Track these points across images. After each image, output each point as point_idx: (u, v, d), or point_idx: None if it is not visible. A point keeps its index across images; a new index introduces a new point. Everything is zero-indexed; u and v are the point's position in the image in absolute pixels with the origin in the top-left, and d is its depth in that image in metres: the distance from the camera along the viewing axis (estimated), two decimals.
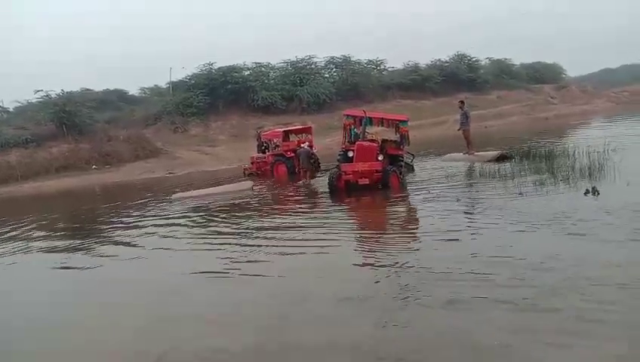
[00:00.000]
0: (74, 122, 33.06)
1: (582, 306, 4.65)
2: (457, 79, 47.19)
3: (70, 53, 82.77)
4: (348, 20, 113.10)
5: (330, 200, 12.26)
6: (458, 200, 10.40)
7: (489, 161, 14.84)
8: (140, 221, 12.55)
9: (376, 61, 48.09)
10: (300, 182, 16.50)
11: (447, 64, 49.21)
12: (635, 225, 6.85)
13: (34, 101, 36.90)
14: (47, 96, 34.95)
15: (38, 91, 35.10)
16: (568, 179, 10.76)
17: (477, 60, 51.10)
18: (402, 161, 13.84)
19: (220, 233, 10.08)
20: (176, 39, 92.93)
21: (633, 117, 30.54)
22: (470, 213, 9.29)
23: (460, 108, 17.21)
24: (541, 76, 56.05)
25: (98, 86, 48.73)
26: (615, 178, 10.28)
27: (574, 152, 13.06)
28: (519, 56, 62.08)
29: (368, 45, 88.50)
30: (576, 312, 4.55)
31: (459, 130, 17.14)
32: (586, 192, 9.25)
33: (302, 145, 18.01)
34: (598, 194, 9.07)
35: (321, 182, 14.79)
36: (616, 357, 3.86)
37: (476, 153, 16.28)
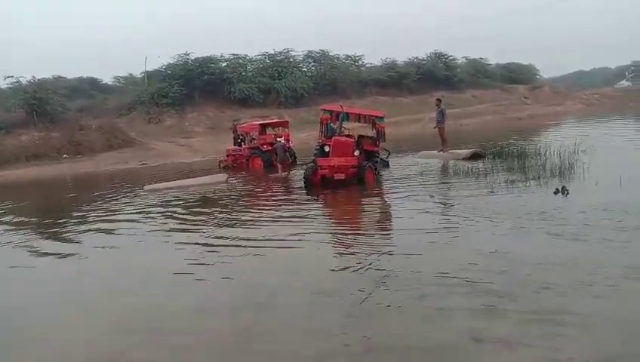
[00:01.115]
0: (45, 110, 32.26)
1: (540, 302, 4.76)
2: (434, 77, 47.61)
3: (43, 39, 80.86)
4: (326, 15, 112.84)
5: (305, 194, 12.26)
6: (431, 196, 10.52)
7: (463, 159, 15.04)
8: (108, 213, 12.35)
9: (355, 56, 48.22)
10: (277, 174, 16.46)
11: (424, 62, 49.59)
12: (596, 222, 7.04)
13: (3, 87, 36.02)
14: (17, 82, 34.13)
15: (9, 77, 34.29)
16: (539, 178, 10.97)
17: (453, 59, 51.66)
18: (378, 157, 13.93)
19: (187, 227, 9.98)
20: (152, 28, 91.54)
21: (603, 119, 31.31)
22: (442, 209, 9.41)
23: (437, 105, 17.36)
24: (516, 76, 56.96)
25: (71, 73, 47.78)
26: (584, 177, 10.52)
27: (545, 152, 13.33)
28: (495, 56, 62.92)
29: (347, 40, 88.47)
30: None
31: (435, 127, 17.30)
32: (556, 191, 9.45)
33: (279, 138, 17.99)
34: (568, 193, 9.27)
35: (297, 176, 14.79)
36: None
37: (450, 151, 16.47)
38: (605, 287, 5.01)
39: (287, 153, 17.16)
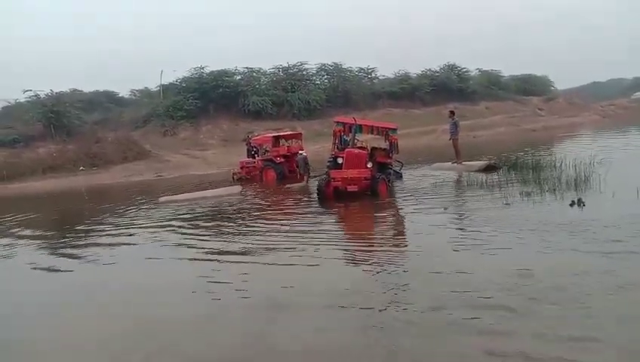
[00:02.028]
0: (62, 123, 32.87)
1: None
2: (447, 89, 47.56)
3: (60, 53, 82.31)
4: (339, 28, 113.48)
5: (318, 207, 12.26)
6: (445, 208, 10.45)
7: (477, 170, 14.95)
8: (123, 225, 12.46)
9: (368, 69, 48.39)
10: (300, 184, 16.71)
11: (437, 74, 49.60)
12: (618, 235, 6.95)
13: (22, 101, 36.67)
14: (35, 96, 34.77)
15: (27, 91, 34.94)
16: (555, 190, 10.86)
17: (467, 71, 51.60)
18: (391, 168, 13.93)
19: (203, 238, 10.02)
20: (168, 42, 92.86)
21: (619, 130, 30.96)
22: (457, 222, 9.34)
23: (450, 117, 17.36)
24: (530, 88, 56.70)
25: (87, 87, 48.51)
26: (600, 189, 10.40)
27: (561, 164, 13.21)
28: (509, 68, 62.64)
29: (360, 53, 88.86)
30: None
31: (449, 139, 17.27)
32: (572, 203, 9.35)
33: (301, 151, 18.13)
34: (584, 205, 9.17)
35: (311, 188, 14.82)
36: None
37: (464, 163, 16.40)
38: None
39: (308, 165, 17.34)
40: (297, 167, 17.52)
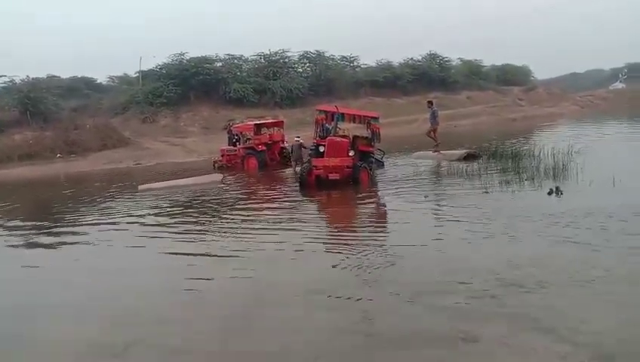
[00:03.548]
0: (39, 109, 32.12)
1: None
2: (429, 78, 47.67)
3: (37, 39, 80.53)
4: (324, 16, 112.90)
5: (299, 194, 12.24)
6: (426, 196, 10.53)
7: (457, 159, 15.06)
8: (102, 215, 12.30)
9: (350, 57, 48.21)
10: (289, 170, 16.79)
11: (419, 63, 49.62)
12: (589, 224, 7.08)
13: None
14: (11, 81, 34.00)
15: (2, 76, 34.12)
16: (533, 178, 11.01)
17: (448, 60, 51.72)
18: (373, 157, 13.93)
19: (184, 228, 9.94)
20: (147, 27, 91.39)
21: (597, 120, 31.46)
22: (437, 210, 9.41)
23: (429, 107, 17.42)
24: (510, 78, 57.11)
25: (65, 73, 47.56)
26: (578, 178, 10.56)
27: (539, 153, 13.37)
28: (489, 58, 63.07)
29: (342, 41, 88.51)
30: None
31: (430, 129, 17.30)
32: (550, 192, 9.49)
33: (296, 138, 17.90)
34: (562, 193, 9.31)
35: (292, 177, 14.79)
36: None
37: (443, 152, 16.50)
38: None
39: (302, 152, 17.09)
40: (292, 152, 17.20)
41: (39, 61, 59.52)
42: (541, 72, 68.37)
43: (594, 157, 13.05)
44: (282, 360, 4.31)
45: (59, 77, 44.31)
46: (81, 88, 46.21)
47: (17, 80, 33.77)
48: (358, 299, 5.29)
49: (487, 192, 10.14)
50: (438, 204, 9.88)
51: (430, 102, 17.86)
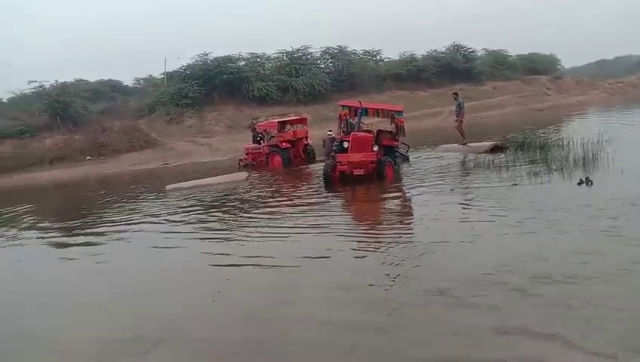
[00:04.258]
0: (68, 113, 32.87)
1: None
2: (453, 70, 47.04)
3: (65, 44, 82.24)
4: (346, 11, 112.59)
5: (324, 191, 12.24)
6: (452, 190, 10.43)
7: (484, 151, 14.84)
8: (131, 213, 12.52)
9: (372, 52, 47.95)
10: (313, 166, 16.92)
11: (443, 55, 48.98)
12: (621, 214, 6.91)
13: (27, 92, 36.60)
14: (41, 86, 34.71)
15: (32, 82, 34.86)
16: (562, 169, 10.80)
17: (473, 51, 50.91)
18: (397, 151, 13.86)
19: (211, 226, 10.05)
20: (172, 30, 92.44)
21: (627, 108, 30.65)
22: (464, 203, 9.31)
23: (455, 99, 17.23)
24: (537, 67, 55.93)
25: (92, 76, 48.42)
26: (609, 168, 10.32)
27: (568, 143, 13.10)
28: (515, 48, 61.84)
29: (365, 35, 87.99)
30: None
31: (456, 121, 17.15)
32: (580, 182, 9.29)
33: (329, 132, 17.90)
34: (592, 184, 9.11)
35: (317, 173, 14.79)
36: None
37: (469, 144, 16.30)
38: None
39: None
40: (324, 146, 17.20)
41: (65, 64, 60.62)
42: (569, 60, 67.01)
43: (625, 146, 12.72)
44: (309, 352, 4.33)
45: (86, 80, 45.17)
46: (107, 91, 47.00)
47: (47, 85, 34.55)
48: (385, 295, 5.28)
49: (515, 184, 9.98)
50: (465, 198, 9.78)
51: (456, 94, 17.66)
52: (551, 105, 41.06)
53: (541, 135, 17.22)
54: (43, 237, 10.92)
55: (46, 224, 12.79)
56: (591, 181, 9.22)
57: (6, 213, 15.12)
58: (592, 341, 3.90)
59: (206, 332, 4.96)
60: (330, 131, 17.56)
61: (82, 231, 10.96)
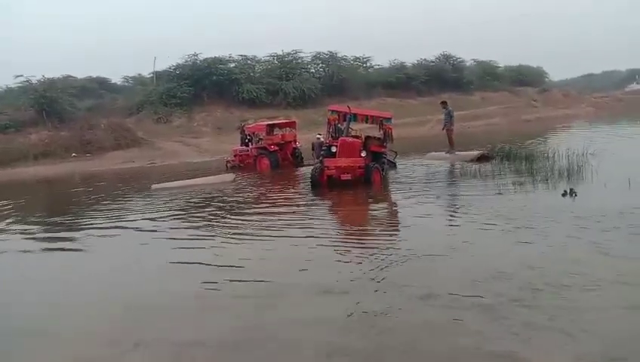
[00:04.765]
0: (54, 109, 32.58)
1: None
2: (442, 79, 47.49)
3: (52, 40, 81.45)
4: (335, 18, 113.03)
5: (311, 194, 12.24)
6: (438, 197, 10.49)
7: (470, 160, 14.96)
8: (115, 215, 12.40)
9: (363, 58, 48.23)
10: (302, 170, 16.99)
11: (432, 64, 49.46)
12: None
13: (14, 86, 36.27)
14: (27, 81, 34.42)
15: (19, 76, 34.58)
16: (547, 180, 10.91)
17: (462, 61, 51.51)
18: (385, 158, 13.90)
19: (196, 225, 9.99)
20: (162, 29, 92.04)
21: (613, 122, 31.10)
22: (449, 211, 9.37)
23: (444, 108, 17.34)
24: (525, 79, 56.74)
25: (80, 73, 48.06)
26: (593, 180, 10.45)
27: (554, 154, 13.24)
28: (504, 59, 62.49)
29: (355, 42, 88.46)
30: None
31: (443, 129, 17.26)
32: (564, 193, 9.39)
33: (318, 136, 17.97)
34: (576, 195, 9.22)
35: (304, 177, 14.79)
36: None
37: (457, 153, 16.42)
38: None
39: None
40: (313, 150, 17.27)
41: (53, 61, 60.06)
42: (556, 73, 68.18)
43: (609, 159, 12.89)
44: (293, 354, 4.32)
45: (74, 77, 44.85)
46: (95, 88, 46.72)
47: (34, 80, 34.21)
48: (370, 300, 5.28)
49: (500, 193, 10.07)
50: (451, 205, 9.85)
51: (444, 103, 17.76)
52: (538, 116, 41.56)
53: (527, 146, 17.40)
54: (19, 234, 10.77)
55: (26, 221, 12.61)
56: (575, 192, 9.32)
57: None
58: (572, 351, 3.94)
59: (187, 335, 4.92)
60: (319, 135, 17.60)
61: (61, 229, 10.83)
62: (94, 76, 49.55)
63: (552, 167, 11.97)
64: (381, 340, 4.39)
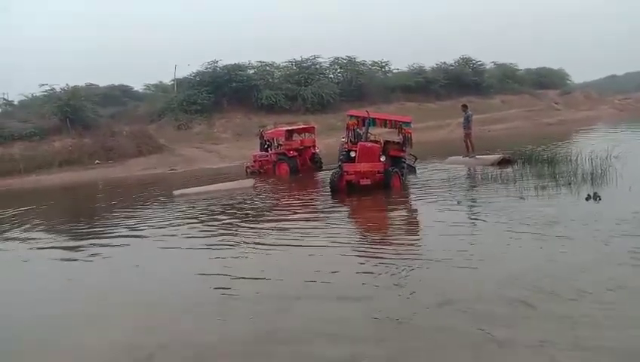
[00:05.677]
0: (78, 116, 33.17)
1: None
2: (462, 83, 47.09)
3: (76, 48, 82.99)
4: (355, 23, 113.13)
5: (331, 200, 12.24)
6: (459, 202, 10.39)
7: (491, 164, 14.82)
8: (139, 220, 12.56)
9: (381, 62, 48.15)
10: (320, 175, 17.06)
11: (452, 67, 49.13)
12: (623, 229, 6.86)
13: (39, 95, 37.01)
14: (51, 90, 35.09)
15: (43, 85, 35.29)
16: (570, 184, 10.75)
17: (482, 64, 51.00)
18: (404, 162, 13.83)
19: (218, 232, 10.06)
20: (183, 36, 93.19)
21: (637, 124, 30.49)
22: (470, 216, 9.28)
23: (464, 111, 17.21)
24: (546, 81, 55.97)
25: (103, 81, 48.92)
26: (617, 184, 10.26)
27: (577, 158, 13.04)
28: (524, 62, 61.88)
29: (374, 46, 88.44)
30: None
31: (465, 133, 17.11)
32: (588, 198, 9.24)
33: (343, 138, 17.97)
34: (600, 199, 9.06)
35: (324, 182, 14.80)
36: None
37: (478, 157, 16.26)
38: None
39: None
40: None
41: (76, 69, 61.27)
42: (578, 75, 66.95)
43: (633, 163, 12.65)
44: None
45: (97, 85, 45.64)
46: (118, 96, 47.48)
47: (57, 88, 34.90)
48: (392, 306, 5.26)
49: (522, 198, 9.94)
50: (472, 211, 9.75)
51: (465, 106, 17.62)
52: (559, 119, 40.98)
53: (549, 149, 17.15)
54: (37, 241, 10.97)
55: (49, 228, 12.85)
56: (599, 196, 9.17)
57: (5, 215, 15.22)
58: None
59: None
60: (344, 138, 17.61)
61: (83, 236, 11.00)
62: (117, 84, 50.40)
63: (575, 171, 11.78)
64: (403, 346, 4.37)
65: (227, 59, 41.57)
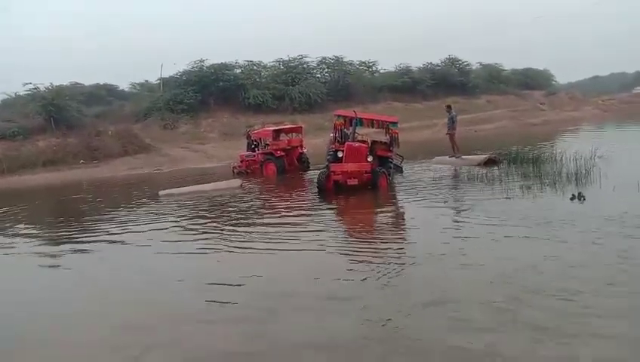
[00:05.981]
0: (62, 116, 32.75)
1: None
2: (448, 83, 47.37)
3: (61, 47, 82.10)
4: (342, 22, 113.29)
5: (318, 200, 12.22)
6: (445, 202, 10.45)
7: (477, 164, 14.92)
8: (124, 222, 12.44)
9: (369, 62, 48.26)
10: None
11: (438, 67, 49.42)
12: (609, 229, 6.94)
13: (22, 93, 36.46)
14: (35, 88, 34.55)
15: (27, 84, 34.73)
16: (555, 184, 10.85)
17: (468, 64, 51.37)
18: (391, 162, 13.87)
19: (204, 231, 10.00)
20: (169, 35, 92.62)
21: (620, 125, 30.90)
22: (457, 216, 9.33)
23: (447, 112, 17.31)
24: (531, 82, 56.58)
25: (88, 80, 48.42)
26: (601, 184, 10.37)
27: (561, 158, 13.18)
28: (510, 62, 62.45)
29: (361, 46, 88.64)
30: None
31: (447, 133, 17.21)
32: (572, 197, 9.34)
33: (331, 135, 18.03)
34: (584, 199, 9.16)
35: (311, 182, 14.77)
36: None
37: (464, 157, 16.36)
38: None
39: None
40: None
41: (62, 68, 60.43)
42: (563, 76, 67.88)
43: (617, 163, 12.81)
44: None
45: (82, 84, 45.17)
46: (103, 95, 47.02)
47: (42, 87, 34.41)
48: (372, 306, 5.26)
49: (508, 198, 10.01)
50: (458, 210, 9.80)
51: (449, 107, 17.72)
52: (544, 120, 41.38)
53: (534, 149, 17.29)
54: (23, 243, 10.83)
55: (31, 230, 12.68)
56: (583, 196, 9.27)
57: None
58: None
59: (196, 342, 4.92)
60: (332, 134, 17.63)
61: (63, 240, 10.85)
62: (102, 83, 49.95)
63: (560, 171, 11.91)
64: (391, 346, 4.37)
65: (226, 59, 41.23)
